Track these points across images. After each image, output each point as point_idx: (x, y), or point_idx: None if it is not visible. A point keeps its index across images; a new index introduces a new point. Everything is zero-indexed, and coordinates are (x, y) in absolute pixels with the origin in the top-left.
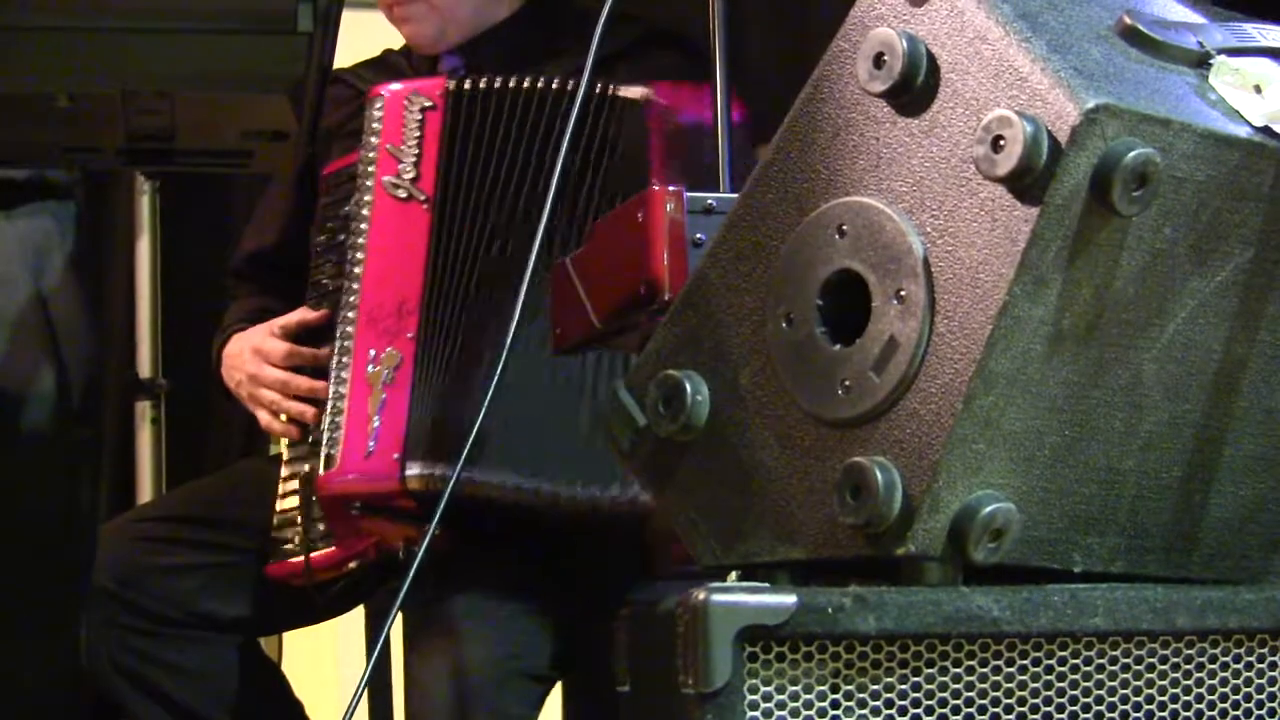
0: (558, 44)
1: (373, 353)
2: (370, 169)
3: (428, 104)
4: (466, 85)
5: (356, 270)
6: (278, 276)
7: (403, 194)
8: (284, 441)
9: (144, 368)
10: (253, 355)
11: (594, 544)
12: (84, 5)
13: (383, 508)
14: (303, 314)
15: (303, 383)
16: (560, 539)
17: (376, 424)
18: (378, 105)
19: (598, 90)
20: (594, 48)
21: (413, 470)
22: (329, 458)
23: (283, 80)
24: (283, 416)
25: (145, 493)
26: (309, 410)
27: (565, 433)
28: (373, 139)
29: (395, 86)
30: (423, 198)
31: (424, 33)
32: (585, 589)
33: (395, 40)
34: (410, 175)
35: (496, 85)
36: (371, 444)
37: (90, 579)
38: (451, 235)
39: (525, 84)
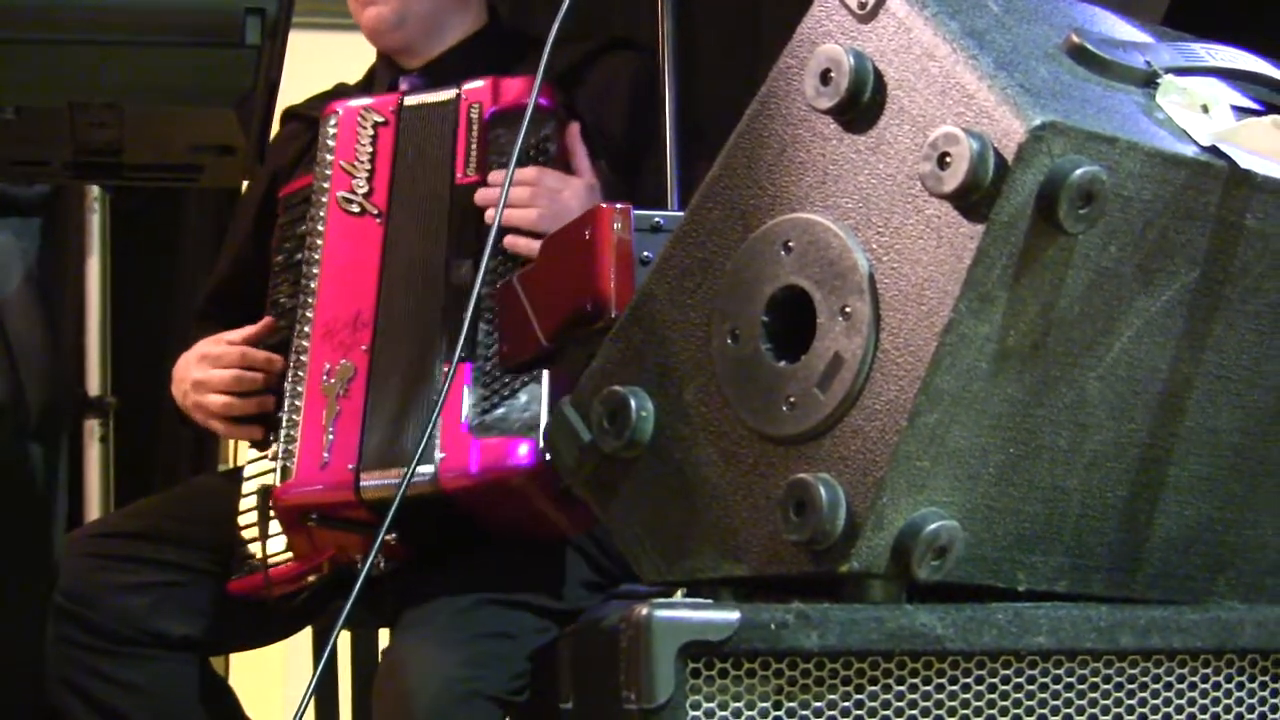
0: (514, 69)
1: (328, 365)
2: (325, 185)
3: (380, 120)
4: (416, 102)
5: (311, 285)
6: (239, 311)
7: (356, 209)
8: (247, 454)
9: (93, 385)
10: (199, 361)
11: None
12: (30, 17)
13: (339, 518)
14: (248, 330)
15: (257, 377)
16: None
17: (331, 435)
18: (332, 122)
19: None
20: (546, 51)
21: (368, 481)
22: (285, 470)
23: (230, 93)
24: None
25: (93, 510)
26: (268, 400)
27: None
28: (327, 155)
29: (350, 104)
30: (375, 212)
31: (385, 17)
32: (539, 610)
33: (348, 60)
34: (364, 190)
35: (445, 100)
36: (326, 455)
37: (51, 597)
38: (404, 247)
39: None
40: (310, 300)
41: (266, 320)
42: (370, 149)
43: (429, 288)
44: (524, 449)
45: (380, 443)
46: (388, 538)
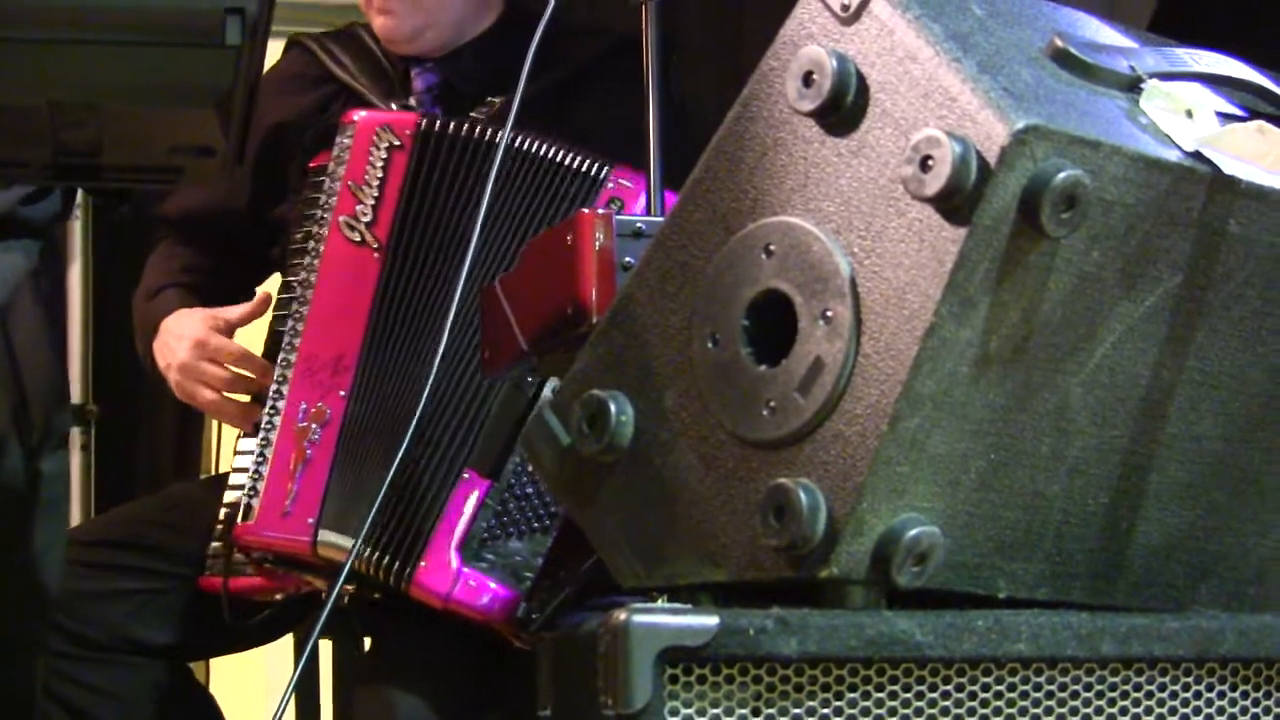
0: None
1: (304, 406)
2: (330, 201)
3: (396, 143)
4: (436, 127)
5: (303, 310)
6: (210, 238)
7: (357, 237)
8: (232, 462)
9: (74, 393)
10: (193, 347)
11: None
12: (7, 15)
13: (296, 564)
14: (244, 309)
15: (233, 409)
16: None
17: (297, 483)
18: (348, 132)
19: (561, 158)
20: (520, 87)
21: (325, 537)
22: (248, 508)
23: (210, 94)
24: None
25: (74, 518)
26: (255, 411)
27: None
28: (338, 169)
29: (366, 114)
30: (375, 245)
31: (400, 29)
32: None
33: None
34: (367, 218)
35: (465, 131)
36: (289, 504)
37: (51, 607)
38: (398, 290)
39: (496, 135)
40: (299, 327)
41: (261, 296)
42: (381, 174)
43: (427, 350)
44: (499, 593)
45: (343, 503)
46: (348, 587)
